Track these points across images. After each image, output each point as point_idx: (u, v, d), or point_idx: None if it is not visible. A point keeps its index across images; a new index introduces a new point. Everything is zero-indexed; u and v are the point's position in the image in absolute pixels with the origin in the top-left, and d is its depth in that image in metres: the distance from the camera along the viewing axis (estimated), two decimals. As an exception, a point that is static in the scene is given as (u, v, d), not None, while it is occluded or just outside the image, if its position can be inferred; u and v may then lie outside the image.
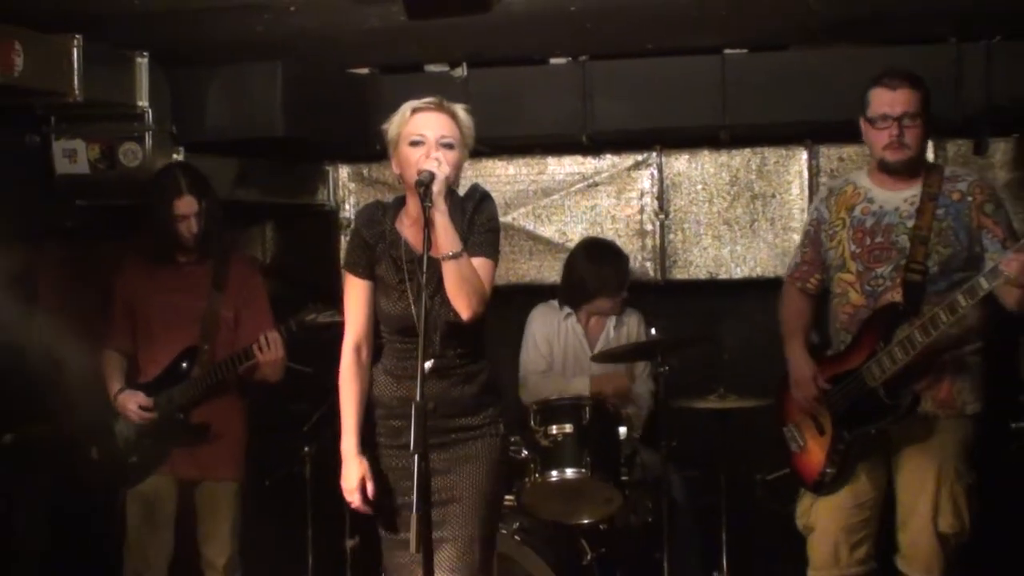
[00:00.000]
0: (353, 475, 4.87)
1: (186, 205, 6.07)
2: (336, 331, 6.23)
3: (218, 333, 6.16)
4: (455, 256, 4.62)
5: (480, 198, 4.92)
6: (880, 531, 5.66)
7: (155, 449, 6.10)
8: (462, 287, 4.67)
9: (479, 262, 4.77)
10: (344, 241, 8.28)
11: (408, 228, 4.84)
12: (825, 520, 5.67)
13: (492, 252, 4.86)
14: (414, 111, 4.79)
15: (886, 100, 5.45)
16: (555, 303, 7.30)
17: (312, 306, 6.17)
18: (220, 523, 6.24)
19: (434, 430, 4.67)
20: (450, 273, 4.65)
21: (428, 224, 4.53)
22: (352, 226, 5.04)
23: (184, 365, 6.10)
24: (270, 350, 6.00)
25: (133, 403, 6.04)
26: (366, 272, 4.87)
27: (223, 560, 6.23)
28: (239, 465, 6.28)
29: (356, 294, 4.94)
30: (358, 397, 4.96)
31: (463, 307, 4.70)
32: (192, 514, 6.24)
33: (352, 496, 4.88)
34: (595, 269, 7.19)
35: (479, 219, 4.85)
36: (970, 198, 5.46)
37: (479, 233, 4.83)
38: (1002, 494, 4.99)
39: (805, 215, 7.28)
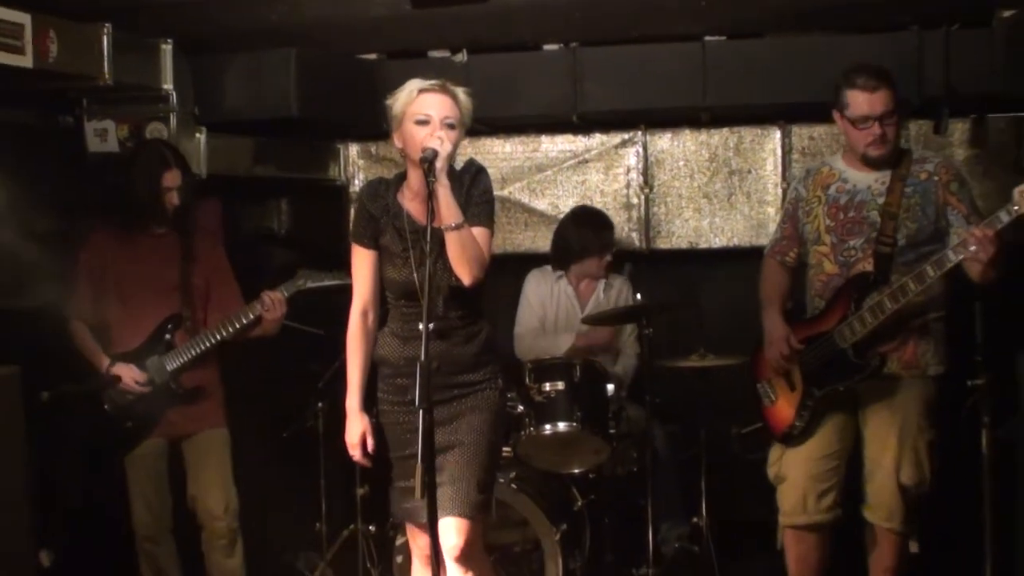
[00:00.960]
0: (355, 431, 4.96)
1: (172, 178, 6.03)
2: (343, 296, 6.29)
3: (194, 300, 6.15)
4: (457, 227, 4.67)
5: (476, 172, 4.96)
6: (846, 481, 5.70)
7: (150, 415, 6.05)
8: (464, 255, 4.71)
9: (477, 231, 4.81)
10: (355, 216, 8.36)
11: (410, 201, 4.89)
12: (794, 470, 5.71)
13: (488, 222, 4.90)
14: (420, 91, 4.81)
15: (866, 102, 5.44)
16: (548, 268, 7.34)
17: (303, 272, 6.22)
18: (217, 470, 6.19)
19: (438, 386, 4.72)
20: (452, 242, 4.69)
21: (432, 197, 4.58)
22: (357, 201, 5.07)
23: (168, 333, 6.06)
24: (275, 308, 6.04)
25: (129, 377, 5.98)
26: (371, 243, 4.92)
27: (223, 505, 6.16)
28: (224, 413, 6.27)
29: (362, 263, 4.99)
30: (363, 359, 5.03)
31: (465, 273, 4.74)
32: (182, 471, 6.21)
33: (354, 450, 4.95)
34: (581, 231, 7.27)
35: (475, 192, 4.89)
36: (936, 177, 5.49)
37: (476, 205, 4.87)
38: (960, 447, 5.04)
39: (778, 190, 7.36)
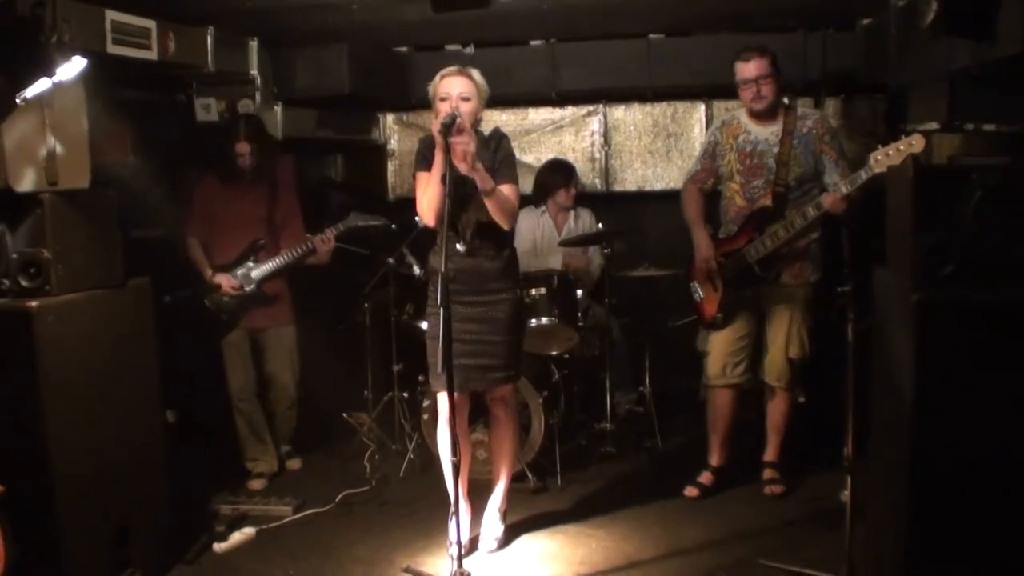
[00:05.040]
0: None
1: (241, 148, 6.08)
2: (381, 232, 6.34)
3: (274, 231, 6.22)
4: (490, 192, 4.73)
5: (500, 137, 5.01)
6: (754, 356, 5.82)
7: (237, 311, 6.17)
8: (500, 211, 4.80)
9: (507, 187, 4.85)
10: (391, 167, 8.43)
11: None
12: (715, 347, 5.82)
13: (513, 177, 4.93)
14: (442, 77, 4.87)
15: (744, 69, 5.55)
16: (533, 207, 7.38)
17: (355, 215, 6.26)
18: (287, 355, 6.36)
19: (473, 292, 4.88)
20: (490, 204, 4.77)
21: (450, 150, 4.57)
22: (418, 145, 5.04)
23: (256, 251, 6.14)
24: (325, 243, 6.13)
25: (227, 283, 6.09)
26: (429, 169, 4.85)
27: (291, 380, 6.39)
28: (294, 313, 6.37)
29: (426, 180, 4.91)
30: None
31: (503, 222, 4.86)
32: (264, 355, 6.35)
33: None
34: (550, 173, 7.32)
35: (500, 154, 4.93)
36: (814, 131, 5.55)
37: (503, 164, 4.91)
38: (830, 333, 5.15)
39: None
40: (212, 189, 6.20)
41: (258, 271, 6.14)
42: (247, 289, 6.13)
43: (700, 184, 5.89)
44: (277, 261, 6.16)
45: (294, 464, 6.57)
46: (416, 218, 5.10)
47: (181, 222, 6.22)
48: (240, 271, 6.14)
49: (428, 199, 4.85)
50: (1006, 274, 3.82)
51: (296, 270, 6.29)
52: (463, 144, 4.59)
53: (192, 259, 6.19)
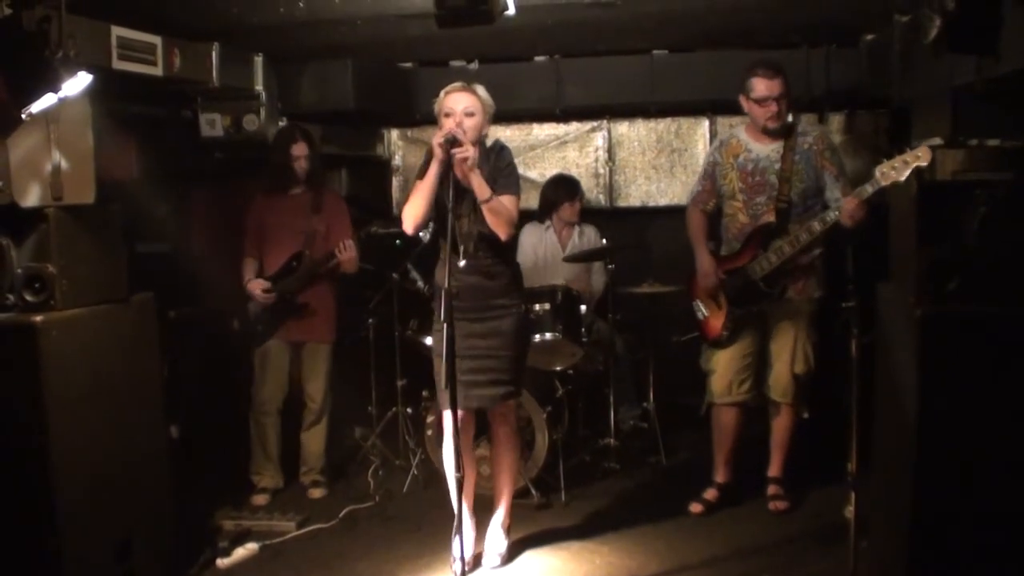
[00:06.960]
0: None
1: (300, 149, 6.15)
2: (389, 242, 6.35)
3: (315, 242, 6.19)
4: (488, 200, 4.74)
5: (499, 148, 4.99)
6: (759, 372, 5.81)
7: (273, 321, 6.18)
8: (498, 219, 4.78)
9: (508, 198, 4.84)
10: (395, 182, 8.46)
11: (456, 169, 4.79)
12: (721, 365, 5.80)
13: (515, 188, 4.92)
14: (446, 93, 4.88)
15: (766, 86, 5.51)
16: (537, 222, 7.39)
17: (376, 222, 6.30)
18: (319, 371, 6.32)
19: (477, 308, 4.86)
20: (488, 212, 4.75)
21: (453, 166, 4.64)
22: (423, 159, 5.03)
23: (294, 264, 6.15)
24: (347, 251, 6.09)
25: (258, 288, 6.12)
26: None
27: (321, 395, 6.34)
28: (332, 332, 6.36)
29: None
30: None
31: (501, 232, 4.83)
32: (299, 366, 6.34)
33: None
34: (555, 188, 7.32)
35: (500, 164, 4.92)
36: (815, 147, 5.57)
37: (503, 176, 4.89)
38: (833, 348, 5.15)
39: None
40: (261, 208, 6.27)
41: (292, 282, 6.17)
42: (278, 297, 6.15)
43: (703, 206, 5.90)
44: (308, 271, 6.18)
45: (316, 493, 6.42)
46: (420, 233, 5.10)
47: (242, 249, 6.28)
48: (280, 282, 6.18)
49: (412, 207, 4.87)
50: (1010, 289, 3.82)
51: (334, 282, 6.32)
52: (462, 152, 4.64)
53: (242, 273, 6.26)
